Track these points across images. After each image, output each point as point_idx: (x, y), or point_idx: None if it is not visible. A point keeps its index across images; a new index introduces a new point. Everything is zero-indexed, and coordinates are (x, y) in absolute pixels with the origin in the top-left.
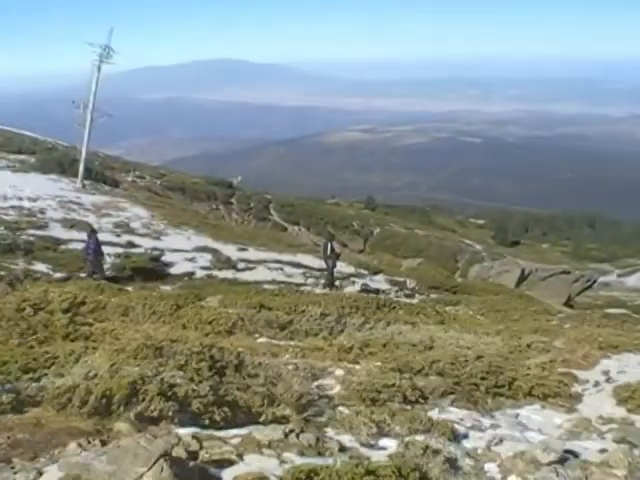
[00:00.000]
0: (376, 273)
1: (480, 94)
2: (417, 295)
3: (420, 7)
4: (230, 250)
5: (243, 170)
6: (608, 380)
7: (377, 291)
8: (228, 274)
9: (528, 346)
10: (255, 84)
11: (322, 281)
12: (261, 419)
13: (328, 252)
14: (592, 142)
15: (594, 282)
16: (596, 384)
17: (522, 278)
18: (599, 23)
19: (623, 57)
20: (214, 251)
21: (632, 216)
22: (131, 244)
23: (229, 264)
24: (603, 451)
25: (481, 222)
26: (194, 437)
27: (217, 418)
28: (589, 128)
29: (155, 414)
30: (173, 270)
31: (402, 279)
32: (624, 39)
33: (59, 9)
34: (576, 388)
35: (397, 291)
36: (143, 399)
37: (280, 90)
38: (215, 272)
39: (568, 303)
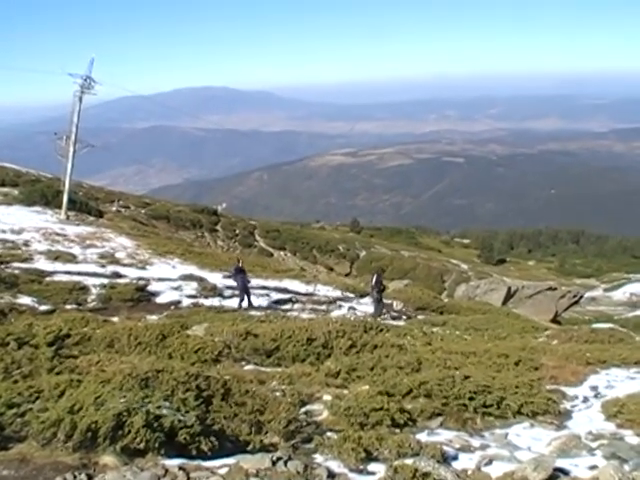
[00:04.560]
0: (363, 296)
1: (461, 114)
2: (404, 317)
3: (398, 30)
4: (216, 278)
5: (227, 197)
6: (597, 395)
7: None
8: (214, 302)
9: (516, 364)
10: (237, 111)
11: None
12: (249, 447)
13: (373, 283)
14: (573, 158)
15: (580, 297)
16: (585, 400)
17: (509, 296)
18: (577, 40)
19: (601, 73)
20: (200, 279)
21: (616, 230)
22: (117, 274)
23: (215, 292)
24: (593, 467)
25: (466, 241)
26: (181, 468)
27: (204, 448)
28: (570, 144)
29: (141, 446)
30: (159, 299)
31: (389, 301)
32: (602, 55)
33: (40, 40)
34: (565, 405)
35: (384, 313)
36: (129, 431)
37: (262, 116)
38: (201, 300)
39: (555, 319)
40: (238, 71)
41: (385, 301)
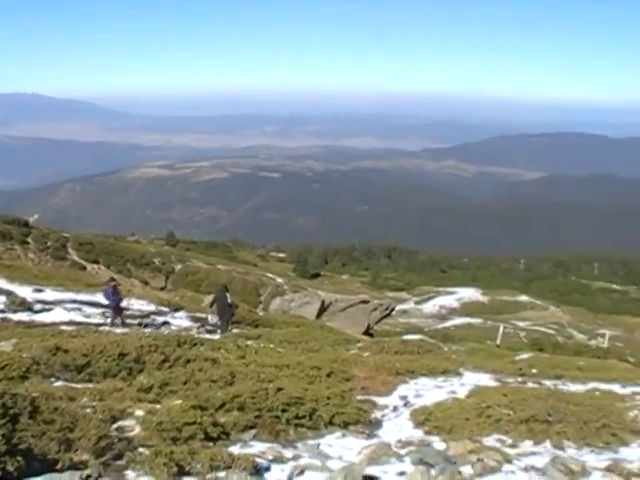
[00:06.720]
0: (177, 310)
1: (279, 130)
2: (219, 331)
3: (215, 44)
4: (26, 291)
5: (41, 208)
6: (406, 404)
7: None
8: (23, 316)
9: (328, 376)
10: (51, 119)
11: (218, 330)
12: (58, 466)
13: (229, 302)
14: (386, 175)
15: (392, 310)
16: (395, 409)
17: (322, 309)
18: (392, 61)
19: (414, 94)
20: (8, 293)
21: (426, 245)
22: None
23: (24, 306)
24: (402, 473)
25: (282, 255)
26: None
27: (10, 468)
28: (383, 162)
29: None
30: None
31: (204, 315)
32: (417, 77)
33: None
34: (375, 414)
35: (199, 327)
36: None
37: (77, 126)
38: (10, 315)
39: (368, 332)
40: (52, 78)
41: (200, 315)
